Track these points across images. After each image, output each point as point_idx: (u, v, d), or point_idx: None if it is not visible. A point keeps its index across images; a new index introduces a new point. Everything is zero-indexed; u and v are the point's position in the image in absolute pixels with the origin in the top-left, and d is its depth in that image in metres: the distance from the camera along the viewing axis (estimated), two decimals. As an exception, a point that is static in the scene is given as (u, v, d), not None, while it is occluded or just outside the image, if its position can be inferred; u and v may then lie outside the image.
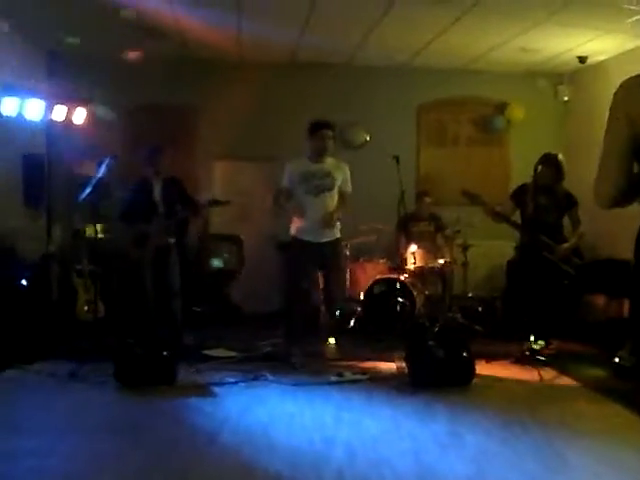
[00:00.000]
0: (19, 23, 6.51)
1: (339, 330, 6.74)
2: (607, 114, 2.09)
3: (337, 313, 5.86)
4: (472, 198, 5.90)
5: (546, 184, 5.82)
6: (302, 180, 5.67)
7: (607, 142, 2.08)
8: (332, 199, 5.74)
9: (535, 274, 5.69)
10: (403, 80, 8.34)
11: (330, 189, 5.72)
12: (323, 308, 5.90)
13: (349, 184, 5.84)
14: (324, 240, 5.68)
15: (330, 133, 5.73)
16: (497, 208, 5.96)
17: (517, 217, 6.11)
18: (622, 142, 2.03)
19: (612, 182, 2.07)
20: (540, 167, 5.70)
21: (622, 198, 2.09)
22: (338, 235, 5.81)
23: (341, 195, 5.79)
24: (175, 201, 5.98)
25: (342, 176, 5.79)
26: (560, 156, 5.83)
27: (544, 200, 5.85)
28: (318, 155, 5.72)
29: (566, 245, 5.86)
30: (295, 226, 5.75)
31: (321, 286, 5.85)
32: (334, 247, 5.78)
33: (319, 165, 5.72)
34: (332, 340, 5.88)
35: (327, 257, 5.70)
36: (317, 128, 5.69)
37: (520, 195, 5.99)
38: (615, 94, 2.07)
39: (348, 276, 7.34)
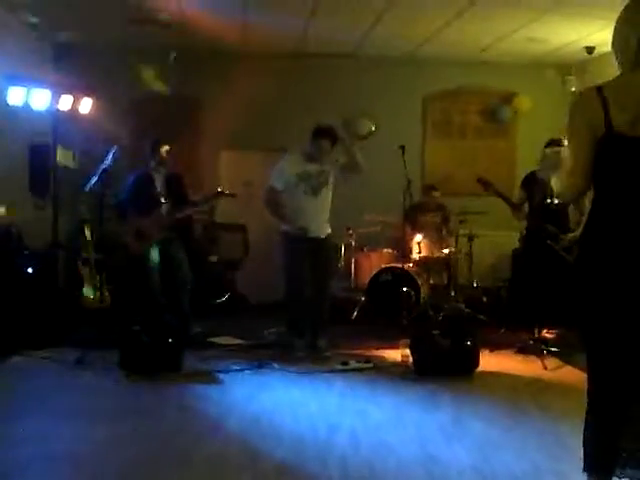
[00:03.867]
0: (26, 13, 6.52)
1: (340, 319, 6.77)
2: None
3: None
4: (486, 186, 5.85)
5: (555, 170, 5.84)
6: (299, 181, 5.60)
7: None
8: (329, 193, 5.68)
9: (538, 262, 5.70)
10: (409, 70, 8.31)
11: (327, 183, 5.65)
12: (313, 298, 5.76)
13: (341, 156, 5.69)
14: (316, 236, 5.61)
15: (328, 145, 5.58)
16: (513, 199, 5.96)
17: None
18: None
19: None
20: (548, 151, 5.81)
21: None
22: (329, 231, 5.74)
23: (346, 167, 5.66)
24: (177, 196, 5.98)
25: (332, 164, 5.66)
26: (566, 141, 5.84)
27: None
28: (312, 157, 5.64)
29: (571, 235, 5.86)
30: (287, 224, 5.64)
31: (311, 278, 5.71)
32: (325, 243, 5.71)
33: (315, 164, 5.63)
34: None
35: (317, 251, 5.62)
36: (317, 136, 5.57)
37: (529, 182, 6.01)
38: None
39: (353, 265, 7.36)
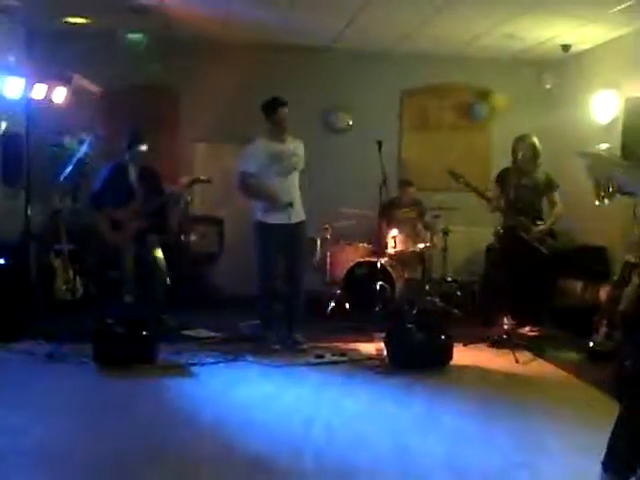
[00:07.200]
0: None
1: (315, 313, 6.78)
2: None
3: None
4: (457, 178, 5.96)
5: (527, 166, 5.98)
6: (272, 161, 5.53)
7: None
8: (296, 178, 5.67)
9: (513, 256, 5.79)
10: (387, 65, 8.31)
11: (296, 168, 5.63)
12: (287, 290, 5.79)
13: (303, 161, 5.72)
14: (293, 222, 5.55)
15: (287, 111, 5.59)
16: (487, 193, 6.07)
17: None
18: None
19: None
20: (517, 147, 5.96)
21: None
22: (304, 217, 5.71)
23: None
24: (151, 188, 5.93)
25: (301, 153, 5.68)
26: (534, 137, 5.99)
27: (526, 181, 6.01)
28: (280, 134, 5.60)
29: (542, 226, 5.99)
30: (261, 209, 5.60)
31: (285, 269, 5.74)
32: (301, 229, 5.68)
33: (285, 145, 5.61)
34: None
35: (293, 239, 5.60)
36: (275, 107, 5.56)
37: (503, 178, 6.10)
38: None
39: (329, 259, 7.36)
